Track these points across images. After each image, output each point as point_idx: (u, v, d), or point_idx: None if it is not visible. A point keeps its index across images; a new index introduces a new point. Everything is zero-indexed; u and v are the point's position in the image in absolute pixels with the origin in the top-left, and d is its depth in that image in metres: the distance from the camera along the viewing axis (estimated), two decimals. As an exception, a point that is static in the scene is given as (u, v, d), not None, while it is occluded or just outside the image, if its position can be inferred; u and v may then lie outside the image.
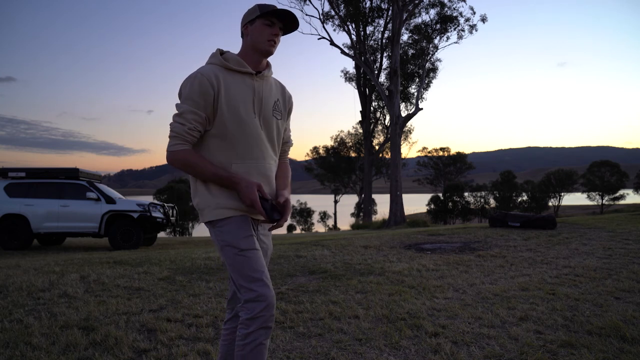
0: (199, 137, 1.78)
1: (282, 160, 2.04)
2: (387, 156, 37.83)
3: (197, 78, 1.71)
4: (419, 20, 24.89)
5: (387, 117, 31.97)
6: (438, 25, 24.05)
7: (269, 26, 1.78)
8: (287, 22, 1.82)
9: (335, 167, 45.34)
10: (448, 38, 24.41)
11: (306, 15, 23.71)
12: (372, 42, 27.38)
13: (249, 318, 1.67)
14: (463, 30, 23.63)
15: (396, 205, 20.51)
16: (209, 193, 1.78)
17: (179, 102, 1.75)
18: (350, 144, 45.05)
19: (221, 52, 1.85)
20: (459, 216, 42.50)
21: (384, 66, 27.27)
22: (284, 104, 1.96)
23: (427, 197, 45.01)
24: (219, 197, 1.77)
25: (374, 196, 35.87)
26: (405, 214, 21.54)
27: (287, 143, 2.06)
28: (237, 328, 1.74)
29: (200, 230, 44.31)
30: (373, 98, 30.27)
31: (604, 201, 49.30)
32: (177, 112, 1.72)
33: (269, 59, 1.91)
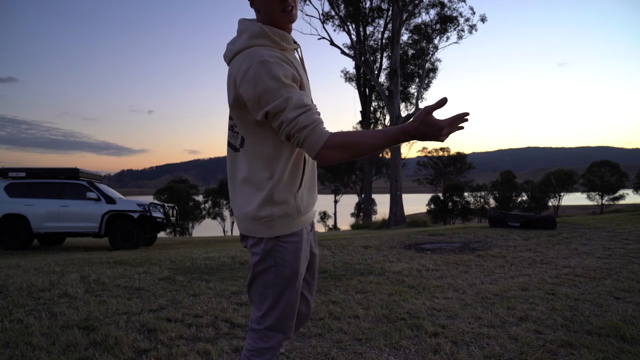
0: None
1: None
2: (387, 156, 37.84)
3: (270, 62, 1.26)
4: (419, 20, 24.99)
5: (387, 117, 31.95)
6: (438, 26, 24.10)
7: None
8: None
9: (335, 167, 45.36)
10: (448, 38, 24.50)
11: (306, 15, 23.73)
12: (372, 42, 27.40)
13: (266, 348, 1.43)
14: (463, 31, 23.71)
15: (396, 205, 20.54)
16: (298, 196, 1.38)
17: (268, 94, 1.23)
18: (350, 143, 44.95)
19: None
20: (458, 216, 42.47)
21: (384, 66, 27.29)
22: None
23: (427, 197, 44.97)
24: (302, 201, 1.40)
25: (374, 196, 35.89)
26: (405, 214, 21.56)
27: None
28: (246, 354, 1.45)
29: (200, 230, 44.24)
30: (373, 98, 30.29)
31: (603, 201, 49.29)
32: (285, 99, 1.23)
33: None
